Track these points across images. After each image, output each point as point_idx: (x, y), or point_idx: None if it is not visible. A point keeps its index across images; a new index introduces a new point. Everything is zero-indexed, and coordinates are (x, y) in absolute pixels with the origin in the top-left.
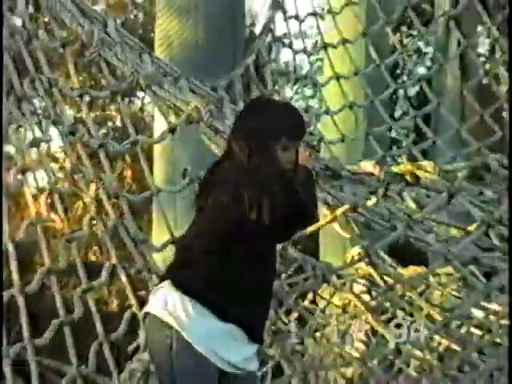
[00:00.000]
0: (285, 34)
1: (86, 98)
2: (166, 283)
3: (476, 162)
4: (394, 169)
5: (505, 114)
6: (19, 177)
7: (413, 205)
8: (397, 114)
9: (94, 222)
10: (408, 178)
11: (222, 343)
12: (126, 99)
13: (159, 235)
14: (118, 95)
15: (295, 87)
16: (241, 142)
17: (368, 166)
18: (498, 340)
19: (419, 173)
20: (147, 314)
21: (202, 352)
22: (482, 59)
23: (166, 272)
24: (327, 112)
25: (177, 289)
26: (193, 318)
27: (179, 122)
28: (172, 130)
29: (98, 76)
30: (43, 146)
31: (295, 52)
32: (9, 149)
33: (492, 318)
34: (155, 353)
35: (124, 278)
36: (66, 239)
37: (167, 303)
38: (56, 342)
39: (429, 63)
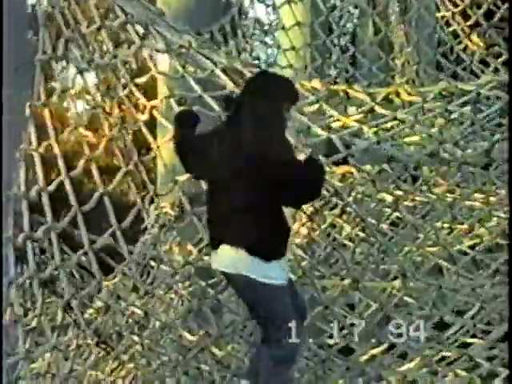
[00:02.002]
0: None
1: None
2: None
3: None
4: (333, 87)
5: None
6: (64, 104)
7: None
8: (334, 56)
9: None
10: (341, 93)
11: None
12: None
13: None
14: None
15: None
16: (258, 105)
17: (315, 82)
18: (400, 215)
19: (350, 91)
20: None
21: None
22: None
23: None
24: (293, 48)
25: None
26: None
27: (174, 49)
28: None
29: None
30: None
31: (267, 6)
32: (56, 85)
33: (400, 201)
34: (250, 295)
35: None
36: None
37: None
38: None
39: (355, 20)
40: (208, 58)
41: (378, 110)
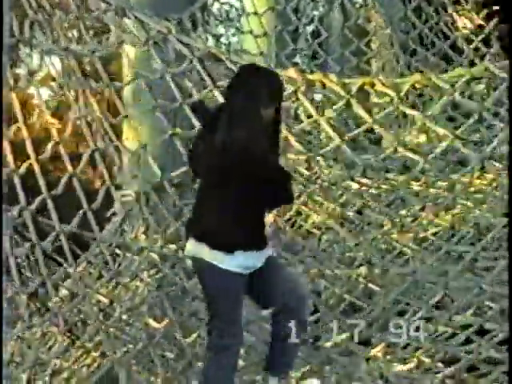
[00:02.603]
0: None
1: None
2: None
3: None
4: (309, 76)
5: (373, 46)
6: (28, 91)
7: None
8: (301, 42)
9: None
10: (318, 83)
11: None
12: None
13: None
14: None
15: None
16: (234, 100)
17: (291, 72)
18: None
19: (325, 81)
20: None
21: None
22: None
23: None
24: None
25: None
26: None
27: (151, 35)
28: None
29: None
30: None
31: None
32: (18, 70)
33: (363, 188)
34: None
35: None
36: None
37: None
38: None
39: (321, 9)
40: (186, 45)
41: (355, 106)
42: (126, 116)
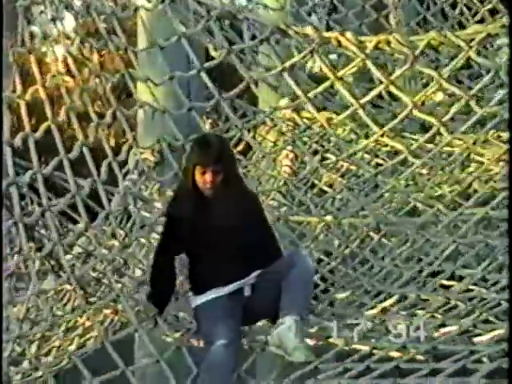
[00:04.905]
0: None
1: None
2: None
3: None
4: (325, 34)
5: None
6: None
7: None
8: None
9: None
10: (333, 41)
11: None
12: None
13: None
14: None
15: None
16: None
17: (308, 29)
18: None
19: (341, 39)
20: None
21: None
22: None
23: None
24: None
25: None
26: None
27: None
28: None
29: None
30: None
31: None
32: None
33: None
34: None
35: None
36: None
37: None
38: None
39: None
40: (203, 4)
41: (370, 66)
42: (146, 80)
